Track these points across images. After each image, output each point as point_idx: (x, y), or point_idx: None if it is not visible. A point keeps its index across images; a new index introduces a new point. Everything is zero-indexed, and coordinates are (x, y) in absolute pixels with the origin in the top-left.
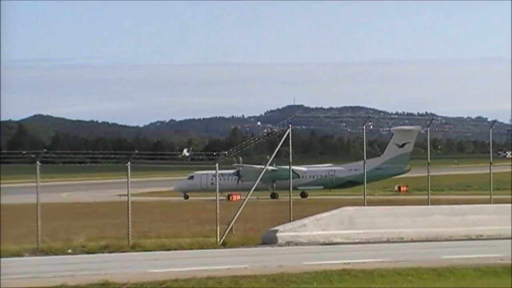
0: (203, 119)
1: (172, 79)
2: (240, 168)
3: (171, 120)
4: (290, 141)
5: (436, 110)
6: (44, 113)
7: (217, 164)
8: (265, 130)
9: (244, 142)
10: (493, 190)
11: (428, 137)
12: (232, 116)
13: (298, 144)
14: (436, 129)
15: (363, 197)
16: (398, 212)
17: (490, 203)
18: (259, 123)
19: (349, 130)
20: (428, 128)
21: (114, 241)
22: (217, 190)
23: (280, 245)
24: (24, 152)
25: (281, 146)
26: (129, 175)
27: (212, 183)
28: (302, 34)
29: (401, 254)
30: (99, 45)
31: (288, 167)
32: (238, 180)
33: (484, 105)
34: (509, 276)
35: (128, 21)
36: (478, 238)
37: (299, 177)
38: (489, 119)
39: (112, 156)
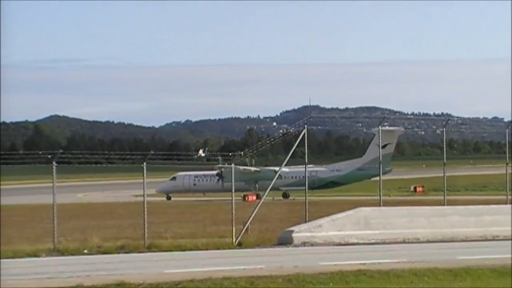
0: (219, 119)
1: (188, 79)
2: (222, 169)
3: (187, 121)
4: (306, 141)
5: (452, 110)
6: (61, 113)
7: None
8: (281, 131)
9: (259, 143)
10: (509, 191)
11: (444, 137)
12: (248, 117)
13: (313, 145)
14: (452, 130)
15: (378, 197)
16: (414, 212)
17: (506, 203)
18: (274, 123)
19: (364, 130)
20: (444, 129)
21: (130, 241)
22: (233, 190)
23: (295, 246)
24: (40, 152)
25: (297, 146)
26: (145, 175)
27: (194, 184)
28: (318, 35)
29: (417, 254)
30: (115, 46)
31: (271, 168)
32: (219, 181)
33: (501, 105)
34: None
35: (144, 22)
36: (494, 238)
37: (281, 178)
38: (505, 120)
39: (128, 156)
